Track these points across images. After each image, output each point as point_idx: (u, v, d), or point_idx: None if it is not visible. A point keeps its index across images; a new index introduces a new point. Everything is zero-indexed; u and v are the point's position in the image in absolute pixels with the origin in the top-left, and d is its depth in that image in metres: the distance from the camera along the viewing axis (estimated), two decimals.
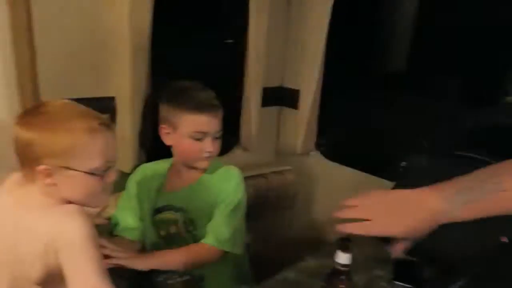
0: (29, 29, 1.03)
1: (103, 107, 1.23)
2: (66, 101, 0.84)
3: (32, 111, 0.81)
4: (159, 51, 1.33)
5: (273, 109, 1.82)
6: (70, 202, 0.82)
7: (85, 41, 1.18)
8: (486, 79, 1.63)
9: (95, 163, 0.80)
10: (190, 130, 1.11)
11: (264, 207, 1.39)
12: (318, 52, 1.58)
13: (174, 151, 1.19)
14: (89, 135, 0.79)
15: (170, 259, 1.12)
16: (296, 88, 1.72)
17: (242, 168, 1.30)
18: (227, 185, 1.19)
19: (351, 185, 1.71)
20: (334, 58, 1.67)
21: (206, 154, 1.13)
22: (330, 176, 1.78)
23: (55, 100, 0.84)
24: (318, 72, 1.60)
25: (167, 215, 1.19)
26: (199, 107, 1.11)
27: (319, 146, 1.79)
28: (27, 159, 0.79)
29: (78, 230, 0.78)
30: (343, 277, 0.81)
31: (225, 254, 1.16)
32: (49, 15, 1.09)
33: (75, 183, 0.80)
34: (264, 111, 1.69)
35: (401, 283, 1.05)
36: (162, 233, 1.20)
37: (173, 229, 1.19)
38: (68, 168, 0.78)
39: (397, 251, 0.73)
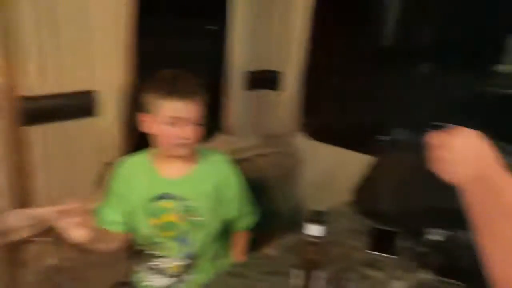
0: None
1: (86, 101, 1.26)
2: None
3: None
4: (143, 41, 1.34)
5: (257, 93, 1.83)
6: None
7: (73, 37, 1.18)
8: (473, 48, 1.62)
9: None
10: (165, 115, 1.12)
11: (250, 188, 1.42)
12: (302, 32, 1.58)
13: (153, 138, 1.21)
14: None
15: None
16: (280, 70, 1.72)
17: (226, 153, 1.34)
18: (222, 170, 1.28)
19: (337, 164, 1.74)
20: (320, 38, 1.67)
21: (181, 141, 1.14)
22: (316, 155, 1.80)
23: None
24: (301, 53, 1.61)
25: (164, 203, 1.21)
26: (175, 93, 1.11)
27: (304, 127, 1.81)
28: None
29: None
30: (313, 248, 0.84)
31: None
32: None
33: None
34: (247, 94, 1.70)
35: (374, 252, 1.09)
36: (158, 221, 1.23)
37: (170, 217, 1.22)
38: None
39: None
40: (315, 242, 0.84)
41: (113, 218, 1.23)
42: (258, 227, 1.42)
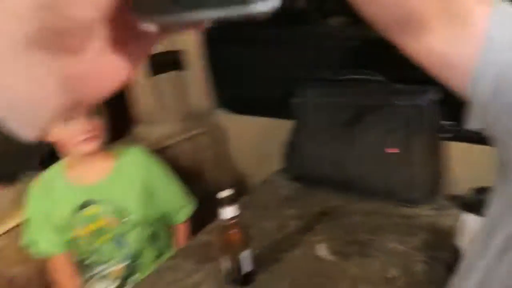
0: None
1: None
2: None
3: None
4: None
5: (164, 76, 1.75)
6: None
7: None
8: None
9: None
10: None
11: (182, 175, 1.38)
12: None
13: (58, 147, 1.13)
14: None
15: None
16: (182, 48, 1.66)
17: (151, 143, 1.29)
18: (143, 163, 1.24)
19: (261, 133, 1.73)
20: None
21: (83, 137, 1.07)
22: (240, 128, 1.78)
23: None
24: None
25: (91, 210, 1.17)
26: None
27: (221, 102, 1.77)
28: None
29: None
30: (234, 230, 0.83)
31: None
32: None
33: None
34: (154, 80, 1.62)
35: None
36: (89, 228, 1.19)
37: (101, 222, 1.19)
38: None
39: None
40: (231, 224, 0.83)
41: (53, 242, 1.19)
42: (196, 213, 1.39)
